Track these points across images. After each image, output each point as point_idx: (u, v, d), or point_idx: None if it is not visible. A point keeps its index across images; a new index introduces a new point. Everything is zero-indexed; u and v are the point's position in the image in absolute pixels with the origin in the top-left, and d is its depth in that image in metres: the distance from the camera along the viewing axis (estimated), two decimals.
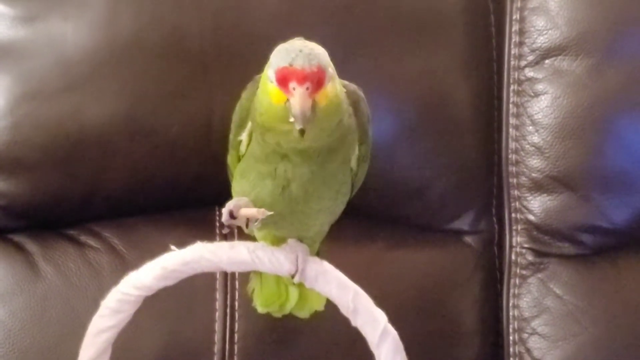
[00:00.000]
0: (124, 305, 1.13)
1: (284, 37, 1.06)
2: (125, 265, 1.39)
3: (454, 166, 1.55)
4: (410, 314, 1.48)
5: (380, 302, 1.37)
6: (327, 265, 1.14)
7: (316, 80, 0.99)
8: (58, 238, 1.45)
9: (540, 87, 1.55)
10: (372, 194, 1.38)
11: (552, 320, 1.53)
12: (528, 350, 1.53)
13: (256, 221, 1.08)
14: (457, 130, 1.55)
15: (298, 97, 0.98)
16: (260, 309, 1.31)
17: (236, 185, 1.15)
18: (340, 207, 1.16)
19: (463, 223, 1.57)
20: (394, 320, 1.35)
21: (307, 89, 0.98)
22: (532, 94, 1.55)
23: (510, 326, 1.55)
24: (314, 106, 0.99)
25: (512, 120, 1.57)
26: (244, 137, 1.13)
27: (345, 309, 1.12)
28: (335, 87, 1.03)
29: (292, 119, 1.00)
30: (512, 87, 1.57)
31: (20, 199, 1.43)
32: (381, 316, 1.12)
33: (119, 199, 1.46)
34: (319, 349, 1.45)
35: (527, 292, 1.55)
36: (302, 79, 0.98)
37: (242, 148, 1.13)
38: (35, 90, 1.40)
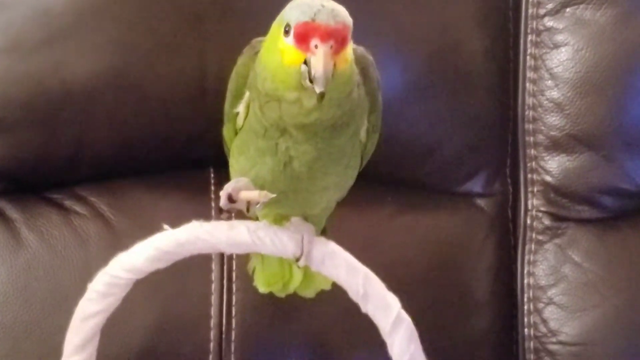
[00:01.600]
0: (113, 289, 1.06)
1: None
2: (114, 234, 1.37)
3: (466, 124, 1.48)
4: (419, 282, 1.44)
5: (387, 270, 1.33)
6: (334, 247, 1.06)
7: (340, 39, 0.90)
8: (41, 203, 1.39)
9: (560, 38, 1.48)
10: (379, 155, 1.29)
11: (570, 289, 1.48)
12: (544, 321, 1.48)
13: (258, 204, 1.00)
14: (469, 85, 1.48)
15: (321, 55, 0.89)
16: (262, 289, 1.24)
17: (234, 163, 1.07)
18: (349, 182, 1.08)
19: (475, 185, 1.51)
20: (402, 289, 1.34)
21: (331, 47, 0.89)
22: (552, 46, 1.48)
23: (525, 295, 1.50)
24: (333, 70, 0.90)
25: (529, 74, 1.50)
26: (241, 109, 1.03)
27: (354, 294, 1.04)
28: (351, 51, 0.95)
29: (307, 84, 0.90)
30: (529, 38, 1.50)
31: (0, 161, 1.37)
32: (394, 302, 1.05)
33: (105, 160, 1.40)
34: (322, 323, 1.39)
35: (544, 259, 1.50)
36: (326, 35, 0.89)
37: (239, 121, 1.04)
38: (13, 44, 1.33)
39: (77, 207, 1.38)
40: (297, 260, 1.04)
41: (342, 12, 0.91)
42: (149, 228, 1.30)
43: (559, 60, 1.48)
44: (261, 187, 1.01)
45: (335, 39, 0.89)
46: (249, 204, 1.00)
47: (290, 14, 0.91)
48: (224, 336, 1.37)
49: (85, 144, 1.37)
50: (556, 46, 1.48)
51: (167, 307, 1.35)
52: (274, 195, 0.99)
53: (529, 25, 1.49)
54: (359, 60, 0.98)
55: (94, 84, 1.34)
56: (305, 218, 1.07)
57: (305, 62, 0.90)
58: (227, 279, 1.38)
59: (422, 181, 1.50)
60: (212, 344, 1.36)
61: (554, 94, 1.48)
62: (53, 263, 1.35)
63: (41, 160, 1.37)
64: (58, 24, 1.33)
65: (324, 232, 1.14)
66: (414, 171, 1.49)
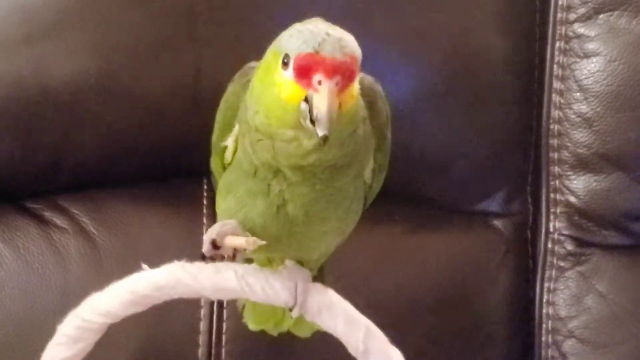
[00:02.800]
0: (85, 333, 0.99)
1: None
2: (96, 251, 1.30)
3: (484, 137, 1.42)
4: (429, 309, 1.38)
5: (394, 295, 1.36)
6: (333, 296, 0.97)
7: (348, 74, 0.80)
8: (19, 214, 1.32)
9: (591, 46, 1.41)
10: (390, 170, 1.27)
11: (593, 322, 1.41)
12: (563, 356, 1.42)
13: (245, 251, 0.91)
14: (489, 94, 1.41)
15: (325, 94, 0.79)
16: (252, 327, 1.16)
17: (221, 202, 0.98)
18: (351, 225, 0.98)
19: (493, 204, 1.45)
20: (409, 316, 1.36)
21: (337, 84, 0.79)
22: (582, 55, 1.41)
23: (543, 326, 1.43)
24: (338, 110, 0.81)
25: (555, 84, 1.42)
26: (229, 143, 0.94)
27: (354, 349, 0.96)
28: (357, 84, 0.85)
29: (308, 124, 0.80)
30: (557, 45, 1.42)
31: None
32: (398, 359, 0.95)
33: (89, 169, 1.33)
34: (317, 354, 1.30)
35: (565, 288, 1.43)
36: (332, 70, 0.79)
37: (228, 155, 0.95)
38: None
39: (58, 220, 1.32)
40: (291, 310, 0.96)
41: (350, 41, 0.81)
42: (134, 246, 1.32)
43: (589, 71, 1.41)
44: (250, 231, 0.92)
45: (342, 74, 0.79)
46: (235, 250, 0.91)
47: (290, 43, 0.81)
48: None
49: (66, 151, 1.31)
50: (587, 55, 1.41)
51: (152, 334, 1.29)
52: (264, 243, 0.90)
53: (558, 31, 1.43)
54: (366, 92, 0.88)
55: (77, 88, 1.27)
56: (301, 262, 0.99)
57: (306, 99, 0.80)
58: (217, 305, 1.32)
59: (434, 198, 1.43)
60: None
61: (583, 107, 1.41)
62: (29, 282, 1.28)
63: (19, 167, 1.30)
64: (38, 20, 1.26)
65: (321, 270, 1.06)
66: (426, 188, 1.42)
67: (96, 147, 1.31)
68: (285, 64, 0.81)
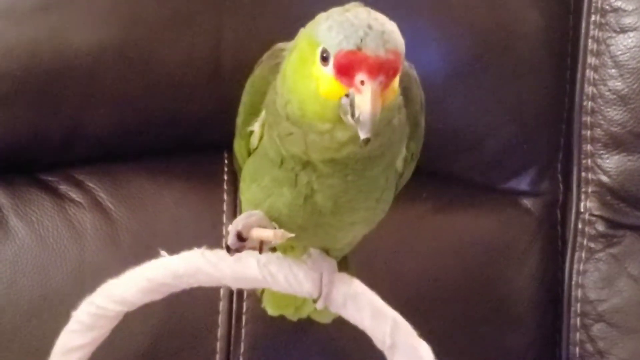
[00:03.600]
0: (100, 321, 0.98)
1: None
2: (112, 227, 1.27)
3: (515, 113, 1.37)
4: (454, 290, 1.35)
5: (420, 275, 1.34)
6: (358, 286, 0.95)
7: (392, 72, 0.76)
8: (33, 187, 1.29)
9: (628, 21, 1.36)
10: None
11: (624, 306, 1.37)
12: (591, 340, 1.38)
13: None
14: (520, 69, 1.37)
15: (369, 96, 0.74)
16: (272, 312, 1.15)
17: (245, 191, 0.94)
18: (380, 215, 0.95)
19: (522, 182, 1.41)
20: (435, 297, 1.33)
21: (380, 83, 0.75)
22: (618, 29, 1.37)
23: (572, 309, 1.40)
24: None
25: (590, 60, 1.38)
26: (255, 128, 0.90)
27: (380, 343, 0.94)
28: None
29: (349, 120, 0.76)
30: (592, 18, 1.38)
31: None
32: (427, 353, 0.93)
33: (106, 141, 1.30)
34: (339, 336, 1.29)
35: (595, 270, 1.39)
36: (376, 69, 0.74)
37: (254, 141, 0.91)
38: (5, 7, 1.23)
39: (73, 194, 1.29)
40: (315, 301, 0.94)
41: (394, 33, 0.76)
42: (152, 222, 1.29)
43: (625, 46, 1.36)
44: (276, 221, 0.89)
45: (386, 73, 0.74)
46: (261, 242, 0.88)
47: (330, 37, 0.76)
48: (231, 348, 1.28)
49: (84, 122, 1.27)
50: (623, 30, 1.36)
51: (170, 312, 1.26)
52: (292, 235, 0.87)
53: (593, 4, 1.38)
54: (401, 79, 0.82)
55: (96, 57, 1.23)
56: (326, 251, 0.96)
57: (347, 94, 0.76)
58: None
59: (462, 176, 1.40)
60: (218, 356, 1.27)
61: (618, 84, 1.36)
62: (43, 257, 1.25)
63: (35, 138, 1.28)
64: None
65: (345, 259, 1.03)
66: (454, 165, 1.39)
67: (114, 118, 1.27)
68: (324, 59, 0.76)
